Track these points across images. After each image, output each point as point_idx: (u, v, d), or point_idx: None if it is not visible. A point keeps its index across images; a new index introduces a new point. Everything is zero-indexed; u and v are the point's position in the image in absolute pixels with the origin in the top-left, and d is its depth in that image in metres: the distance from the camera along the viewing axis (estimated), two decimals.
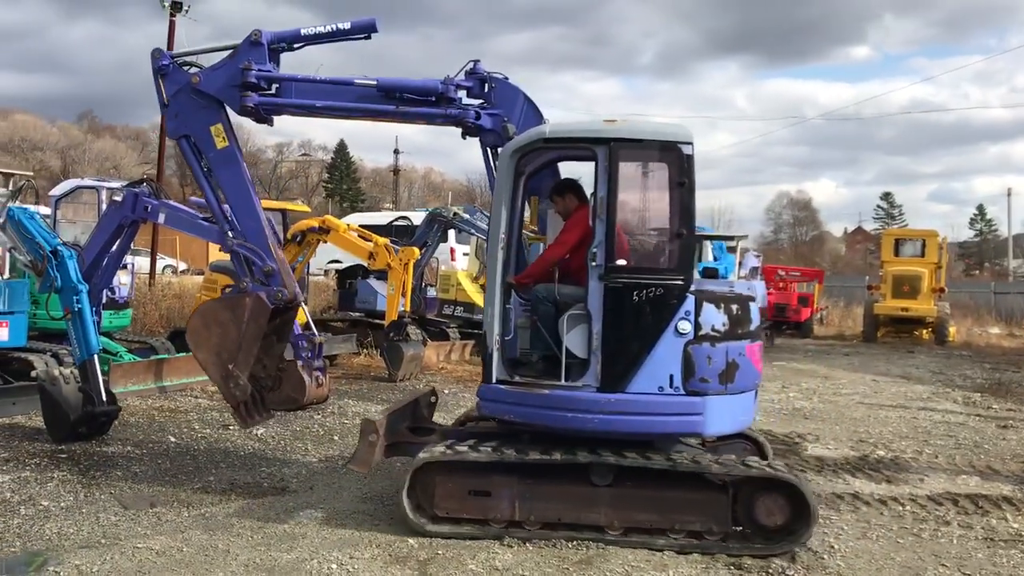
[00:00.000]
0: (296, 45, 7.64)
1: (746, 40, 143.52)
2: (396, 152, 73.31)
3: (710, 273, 21.45)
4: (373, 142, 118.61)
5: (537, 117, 7.36)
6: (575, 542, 6.06)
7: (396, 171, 76.19)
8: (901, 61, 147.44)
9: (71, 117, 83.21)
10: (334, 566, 5.59)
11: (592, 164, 6.35)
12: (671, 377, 6.15)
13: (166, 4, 23.21)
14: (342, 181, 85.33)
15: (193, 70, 7.72)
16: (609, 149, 6.21)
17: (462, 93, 7.37)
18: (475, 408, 7.20)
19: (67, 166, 63.27)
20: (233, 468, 8.08)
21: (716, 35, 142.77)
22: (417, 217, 19.14)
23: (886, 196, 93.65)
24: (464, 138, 7.51)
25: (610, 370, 6.17)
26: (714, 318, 6.27)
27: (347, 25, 7.48)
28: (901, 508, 7.38)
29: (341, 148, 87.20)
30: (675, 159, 6.20)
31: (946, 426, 11.55)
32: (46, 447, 8.50)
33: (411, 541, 6.06)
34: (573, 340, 6.30)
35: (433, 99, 7.32)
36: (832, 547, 6.29)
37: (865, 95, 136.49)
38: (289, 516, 6.62)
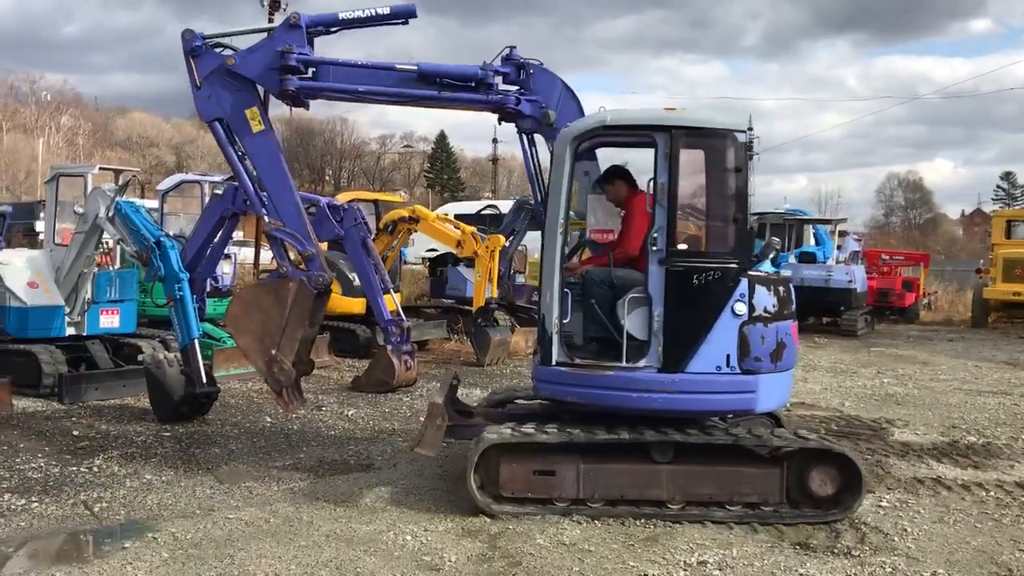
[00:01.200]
0: (333, 29, 7.62)
1: (856, 17, 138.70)
2: (495, 141, 74.08)
3: (806, 258, 21.08)
4: (473, 132, 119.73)
5: (575, 103, 7.39)
6: (642, 520, 6.21)
7: (495, 160, 76.92)
8: None
9: (185, 114, 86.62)
10: (408, 538, 5.86)
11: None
12: (728, 357, 6.37)
13: (265, 3, 24.02)
14: (443, 171, 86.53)
15: (227, 52, 7.63)
16: (670, 136, 6.36)
17: (498, 79, 7.42)
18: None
19: (181, 161, 66.07)
20: (323, 446, 8.47)
21: (824, 13, 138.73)
22: (506, 205, 19.37)
23: (1007, 176, 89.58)
24: (500, 123, 7.61)
25: (671, 351, 6.36)
26: (766, 300, 6.45)
27: (386, 10, 7.50)
28: (984, 494, 7.24)
29: (441, 139, 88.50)
30: (731, 146, 6.39)
31: None
32: (151, 426, 9.09)
33: (484, 516, 6.29)
34: (633, 322, 6.46)
35: (472, 84, 7.36)
36: (905, 530, 6.24)
37: (984, 70, 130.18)
38: (371, 491, 6.94)
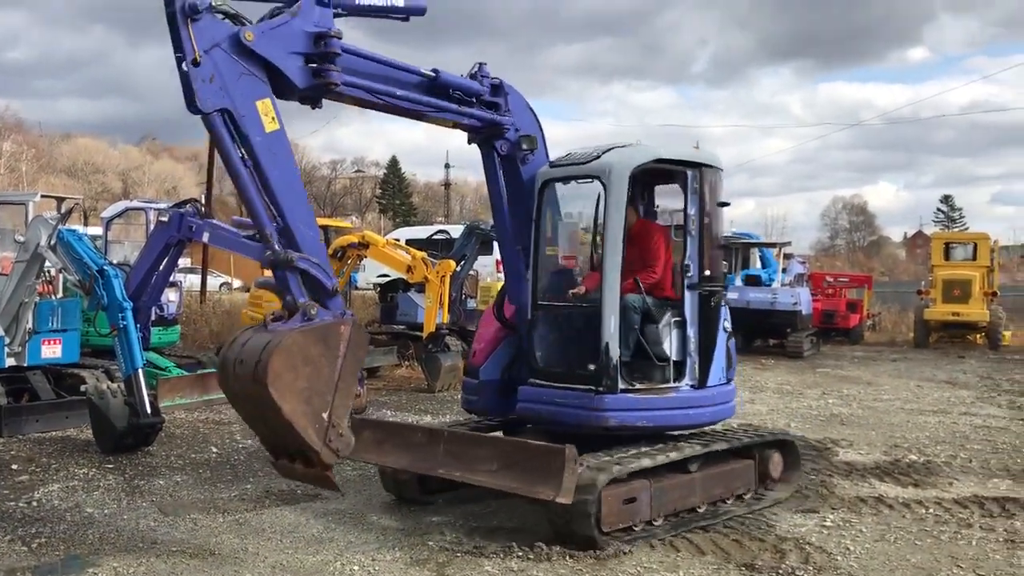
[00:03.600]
0: (342, 13, 6.17)
1: (800, 44, 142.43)
2: (447, 166, 74.26)
3: (752, 280, 21.41)
4: (425, 157, 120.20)
5: (539, 127, 7.39)
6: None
7: (447, 185, 77.12)
8: (960, 61, 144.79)
9: (132, 140, 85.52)
10: (356, 568, 5.83)
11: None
12: (723, 369, 7.24)
13: None
14: (395, 196, 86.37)
15: (224, 21, 5.63)
16: (700, 172, 7.05)
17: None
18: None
19: (127, 188, 65.14)
20: (270, 476, 8.35)
21: (770, 41, 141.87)
22: (457, 230, 19.40)
23: (946, 199, 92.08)
24: (470, 143, 7.27)
25: (702, 368, 7.06)
26: (729, 316, 7.36)
27: (400, 2, 6.39)
28: (924, 511, 7.40)
29: (393, 164, 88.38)
30: (720, 181, 7.32)
31: (986, 431, 11.43)
32: (94, 458, 8.92)
33: (431, 544, 6.29)
34: (674, 344, 7.03)
35: (473, 100, 6.92)
36: (848, 549, 6.36)
37: (923, 96, 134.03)
38: (319, 521, 6.88)
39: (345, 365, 5.63)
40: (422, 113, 6.70)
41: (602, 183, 6.86)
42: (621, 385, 6.66)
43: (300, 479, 5.99)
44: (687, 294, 6.98)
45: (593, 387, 6.67)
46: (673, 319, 7.00)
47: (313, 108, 6.26)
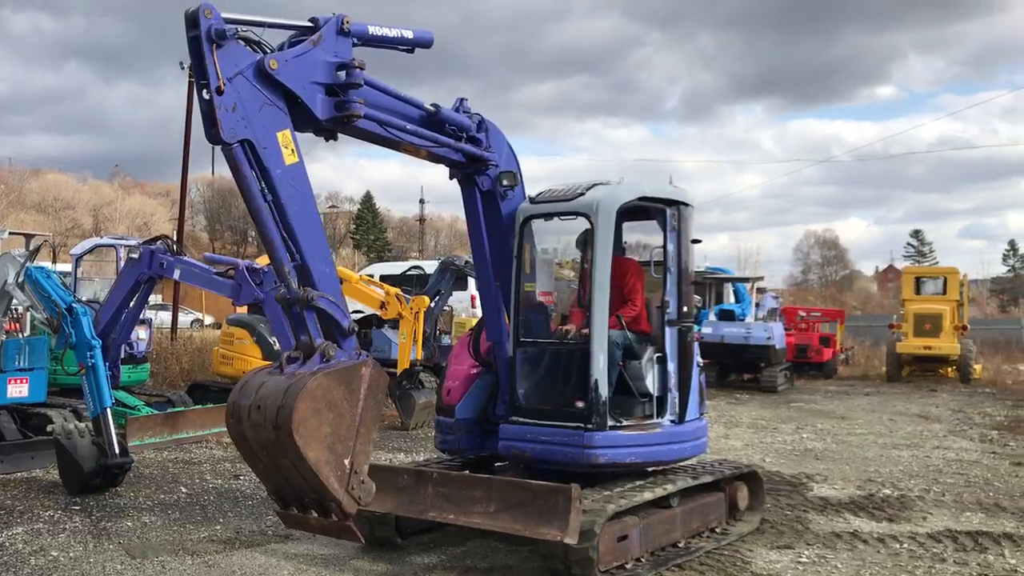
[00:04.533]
0: (355, 43, 5.94)
1: (770, 83, 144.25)
2: (422, 202, 74.38)
3: (726, 315, 21.51)
4: (400, 192, 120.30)
5: (517, 163, 7.36)
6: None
7: (422, 220, 77.13)
8: (928, 99, 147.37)
9: (103, 176, 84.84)
10: None
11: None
12: (697, 404, 7.31)
13: (185, 66, 23.81)
14: (369, 232, 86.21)
15: (246, 48, 5.40)
16: (678, 210, 7.14)
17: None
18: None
19: (98, 224, 64.56)
20: (240, 517, 8.24)
21: (740, 79, 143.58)
22: (431, 266, 19.37)
23: (916, 234, 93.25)
24: (451, 179, 7.13)
25: (683, 404, 7.12)
26: (698, 350, 7.35)
27: (410, 34, 6.27)
28: (898, 546, 7.40)
29: (367, 199, 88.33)
30: (692, 218, 7.29)
31: (958, 464, 11.50)
32: (61, 499, 8.74)
33: None
34: (656, 380, 7.02)
35: (463, 135, 6.79)
36: None
37: (891, 133, 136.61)
38: (290, 563, 6.77)
39: (365, 409, 5.34)
40: (425, 149, 6.52)
41: (589, 220, 6.85)
42: (608, 422, 6.63)
43: (314, 530, 5.65)
44: (667, 330, 7.04)
45: (582, 424, 6.61)
46: (655, 355, 7.04)
47: (327, 140, 6.04)
